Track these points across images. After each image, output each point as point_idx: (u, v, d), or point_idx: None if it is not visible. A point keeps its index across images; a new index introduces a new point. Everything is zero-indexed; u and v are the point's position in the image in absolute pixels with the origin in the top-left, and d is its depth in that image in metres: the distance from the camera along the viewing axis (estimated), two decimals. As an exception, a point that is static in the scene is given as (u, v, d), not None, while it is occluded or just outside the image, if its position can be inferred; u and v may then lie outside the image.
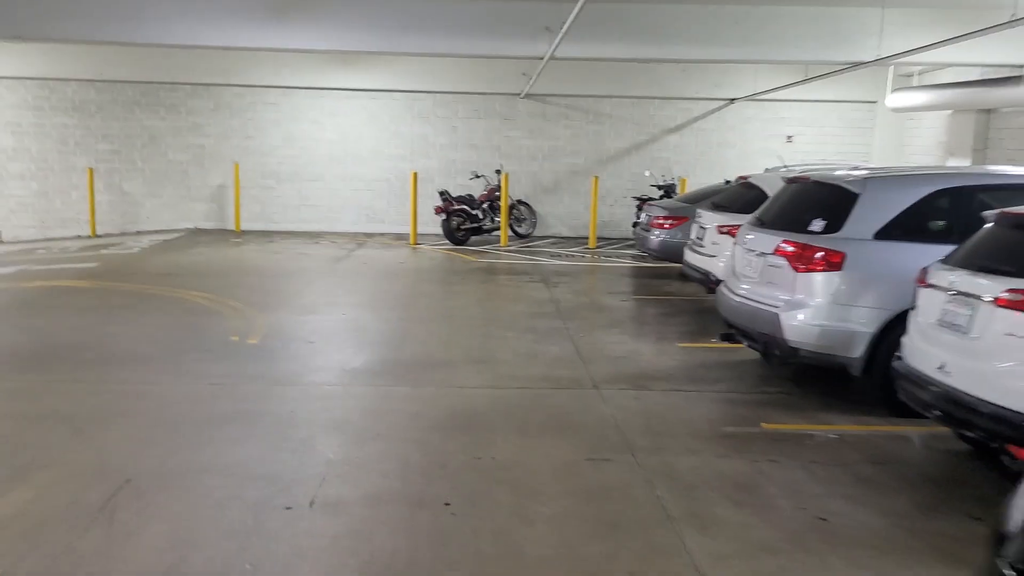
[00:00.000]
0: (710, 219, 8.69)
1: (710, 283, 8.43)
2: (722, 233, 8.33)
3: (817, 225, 5.74)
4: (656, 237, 11.07)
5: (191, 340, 7.18)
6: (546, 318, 8.47)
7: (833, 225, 5.68)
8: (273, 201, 15.80)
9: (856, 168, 7.88)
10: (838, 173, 6.44)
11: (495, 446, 4.77)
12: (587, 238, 15.39)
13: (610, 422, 5.25)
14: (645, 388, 6.06)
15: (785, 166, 9.00)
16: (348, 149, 15.72)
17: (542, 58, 10.96)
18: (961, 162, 13.73)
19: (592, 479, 4.32)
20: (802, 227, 5.86)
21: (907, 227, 5.58)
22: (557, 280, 10.91)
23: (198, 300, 8.85)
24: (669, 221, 11.00)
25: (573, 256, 13.37)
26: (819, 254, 5.56)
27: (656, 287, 10.72)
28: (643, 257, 13.18)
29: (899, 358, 5.38)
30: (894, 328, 5.38)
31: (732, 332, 6.41)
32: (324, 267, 11.55)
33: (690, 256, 9.02)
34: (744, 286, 6.24)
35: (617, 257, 13.42)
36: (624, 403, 5.66)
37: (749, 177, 8.73)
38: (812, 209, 6.03)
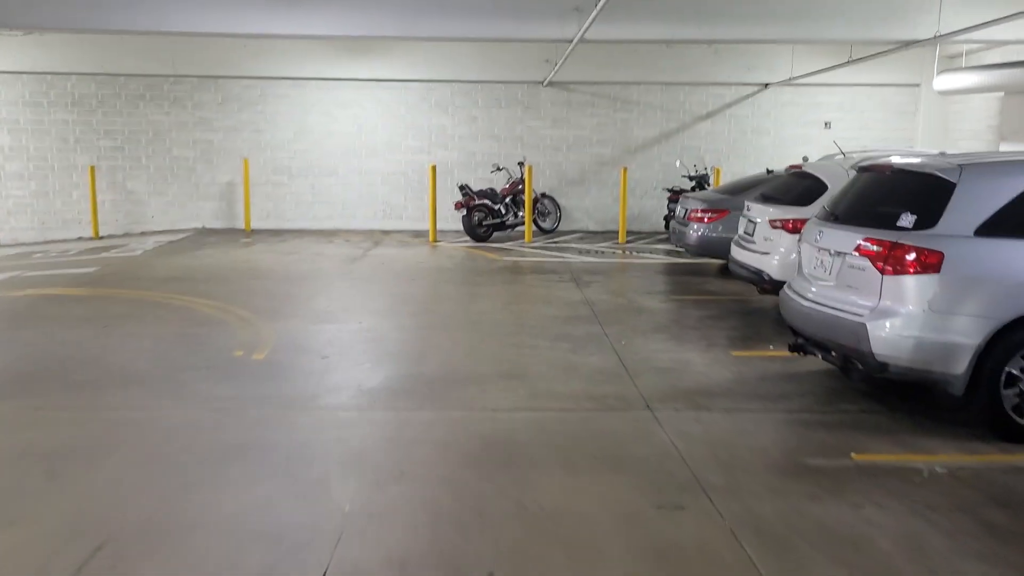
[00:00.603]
0: (761, 212, 7.91)
1: (763, 283, 7.67)
2: (776, 228, 7.56)
3: (907, 220, 4.96)
4: (695, 232, 10.30)
5: (192, 356, 6.52)
6: (581, 323, 7.75)
7: (925, 220, 4.90)
8: (285, 198, 15.15)
9: (941, 154, 7.06)
10: (924, 160, 5.64)
11: (540, 488, 4.05)
12: (615, 233, 14.63)
13: (672, 453, 4.52)
14: (704, 408, 5.33)
15: (843, 153, 8.21)
16: (363, 142, 15.04)
17: (570, 41, 10.21)
18: (1016, 147, 12.83)
19: (663, 533, 3.60)
20: (887, 222, 5.08)
21: (1015, 221, 4.80)
22: (588, 279, 10.17)
23: (202, 308, 8.20)
24: (709, 214, 10.23)
25: (603, 252, 12.62)
26: (912, 255, 4.78)
27: (696, 286, 9.95)
28: (678, 252, 12.42)
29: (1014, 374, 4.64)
30: (1003, 339, 4.63)
31: (802, 342, 5.65)
32: (338, 269, 10.87)
33: (738, 253, 8.25)
34: (815, 289, 5.48)
35: (650, 253, 12.65)
36: (684, 427, 4.93)
37: (803, 165, 7.94)
38: (897, 201, 5.24)
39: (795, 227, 7.36)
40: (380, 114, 14.99)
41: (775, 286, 7.52)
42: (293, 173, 15.10)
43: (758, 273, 7.70)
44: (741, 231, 8.39)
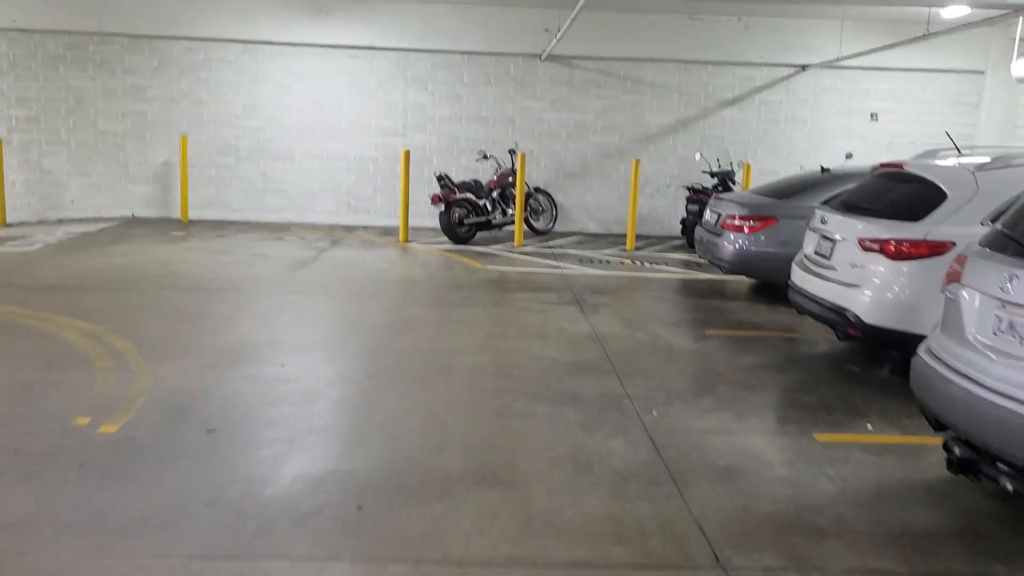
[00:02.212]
0: (845, 227, 5.78)
1: (847, 326, 5.56)
2: (870, 250, 5.44)
3: None
4: (732, 244, 8.19)
5: (9, 427, 4.33)
6: (591, 373, 5.62)
7: None
8: (230, 184, 12.90)
9: None
10: None
11: None
12: (621, 237, 12.50)
13: None
14: (816, 569, 3.21)
15: (957, 148, 6.14)
16: (325, 120, 12.80)
17: (575, 4, 8.04)
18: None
19: None
20: None
21: None
22: (594, 301, 8.04)
23: (68, 335, 5.99)
24: (751, 222, 8.12)
25: (608, 262, 10.48)
26: None
27: (733, 314, 7.84)
28: (698, 264, 10.30)
29: None
30: None
31: (972, 457, 3.52)
32: (278, 277, 8.67)
33: (806, 281, 6.13)
34: (1002, 370, 3.33)
35: (665, 264, 10.53)
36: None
37: (904, 165, 5.82)
38: None
39: (900, 251, 5.25)
40: (346, 88, 12.75)
41: (866, 332, 5.43)
42: (241, 155, 12.83)
43: (839, 312, 5.58)
44: (809, 250, 6.27)
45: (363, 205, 13.06)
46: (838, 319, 5.62)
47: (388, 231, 12.32)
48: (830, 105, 12.98)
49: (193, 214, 12.76)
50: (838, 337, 5.93)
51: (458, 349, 6.14)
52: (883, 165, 6.11)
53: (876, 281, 5.36)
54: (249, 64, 12.60)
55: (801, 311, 6.35)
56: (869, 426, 4.84)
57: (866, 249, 5.46)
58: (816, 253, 6.11)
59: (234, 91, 12.66)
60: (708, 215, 8.97)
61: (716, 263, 8.57)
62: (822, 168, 8.67)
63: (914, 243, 5.20)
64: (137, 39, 12.45)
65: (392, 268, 9.47)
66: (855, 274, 5.52)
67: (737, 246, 8.16)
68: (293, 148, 12.85)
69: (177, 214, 12.67)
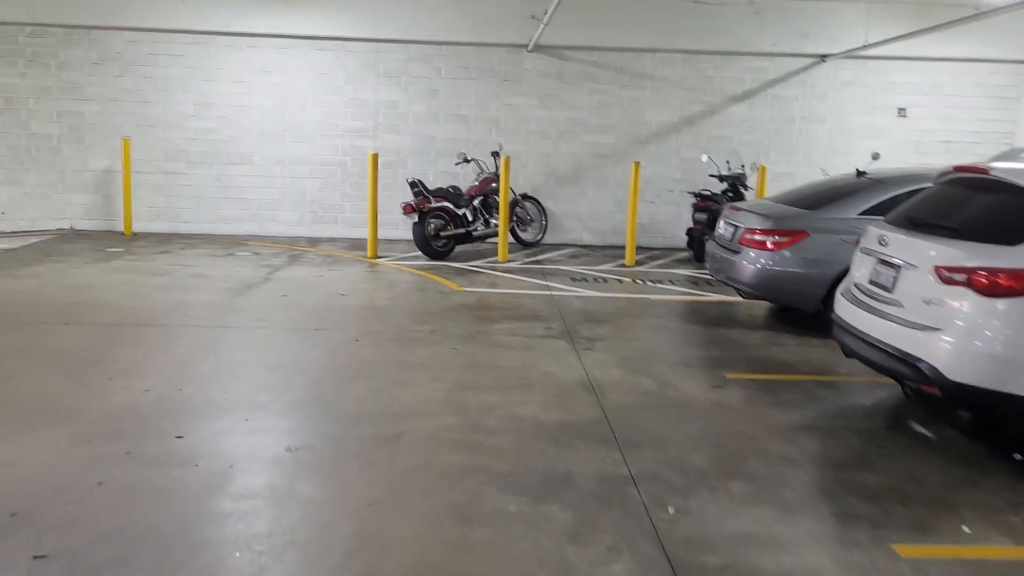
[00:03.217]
0: (914, 251, 4.49)
1: (921, 382, 4.27)
2: (953, 283, 4.15)
3: None
4: (753, 263, 6.92)
5: None
6: (586, 442, 4.33)
7: None
8: (181, 192, 11.58)
9: None
10: None
11: None
12: (618, 248, 11.24)
13: None
14: None
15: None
16: (287, 120, 11.50)
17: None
18: None
19: None
20: None
21: None
22: (589, 332, 6.75)
23: (-90, 396, 4.68)
24: (775, 237, 6.85)
25: (605, 280, 9.20)
26: None
27: (756, 348, 6.54)
28: (708, 281, 9.02)
29: None
30: None
31: None
32: (214, 306, 7.35)
33: (857, 316, 4.84)
34: None
35: (670, 282, 9.24)
36: None
37: (989, 170, 4.53)
38: None
39: (995, 284, 3.97)
40: (311, 84, 11.45)
41: (948, 391, 4.16)
42: (193, 160, 11.52)
43: (909, 363, 4.28)
44: (862, 277, 4.98)
45: (330, 215, 11.75)
46: (907, 371, 4.33)
47: (357, 244, 11.03)
48: (852, 100, 11.72)
49: (139, 226, 11.44)
50: (906, 394, 4.66)
51: (415, 407, 4.84)
52: (959, 169, 4.82)
53: (961, 323, 4.07)
54: (201, 58, 11.29)
55: (849, 354, 5.06)
56: (966, 528, 3.56)
57: (946, 281, 4.17)
58: (873, 283, 4.83)
59: (184, 88, 11.34)
60: (722, 228, 7.69)
61: (732, 284, 7.29)
62: (857, 171, 7.40)
63: (1014, 274, 3.92)
64: (73, 30, 11.14)
65: (353, 291, 8.15)
66: (931, 313, 4.23)
67: (759, 265, 6.88)
68: (252, 152, 11.54)
69: (121, 226, 11.36)
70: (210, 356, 5.72)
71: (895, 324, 4.47)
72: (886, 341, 4.51)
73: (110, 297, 7.46)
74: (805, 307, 6.98)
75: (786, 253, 6.80)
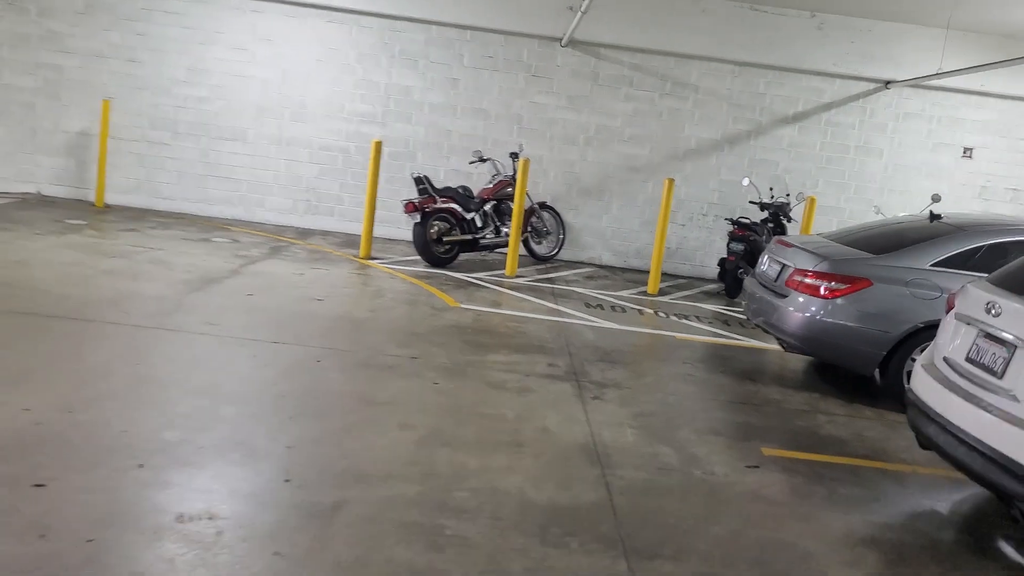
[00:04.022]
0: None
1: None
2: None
3: None
4: (801, 311, 5.87)
5: None
6: (583, 541, 3.30)
7: None
8: (163, 165, 10.62)
9: None
10: None
11: None
12: (641, 273, 10.22)
13: None
14: None
15: None
16: (288, 97, 10.54)
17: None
18: None
19: None
20: None
21: None
22: (600, 376, 5.71)
23: None
24: (832, 283, 5.80)
25: (624, 310, 8.15)
26: None
27: (799, 414, 5.48)
28: (740, 321, 7.96)
29: None
30: None
31: None
32: (162, 301, 6.36)
33: (948, 402, 3.78)
34: None
35: (696, 318, 8.19)
36: None
37: None
38: None
39: None
40: (318, 59, 10.49)
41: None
42: (180, 130, 10.57)
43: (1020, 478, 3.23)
44: (956, 353, 3.92)
45: (326, 205, 10.77)
46: (1020, 489, 3.27)
47: (351, 241, 10.03)
48: (914, 134, 10.64)
49: (113, 198, 10.50)
50: (1014, 517, 3.60)
51: (369, 464, 3.82)
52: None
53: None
54: (201, 18, 10.34)
55: (929, 446, 4.01)
56: None
57: (1093, 377, 3.11)
58: (972, 361, 3.77)
59: (178, 50, 10.40)
60: (767, 265, 6.63)
61: (773, 332, 6.23)
62: (932, 215, 6.33)
63: None
64: (63, -24, 10.24)
65: (331, 297, 7.14)
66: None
67: (808, 314, 5.82)
68: (245, 127, 10.58)
69: (93, 196, 10.42)
70: (129, 368, 4.71)
71: (1004, 422, 3.41)
72: (989, 443, 3.45)
73: (42, 279, 6.48)
74: (859, 369, 5.93)
75: (842, 303, 5.74)
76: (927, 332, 5.57)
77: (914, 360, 5.66)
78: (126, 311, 5.81)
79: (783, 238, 6.77)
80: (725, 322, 8.19)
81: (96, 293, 6.21)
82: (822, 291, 5.80)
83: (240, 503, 3.31)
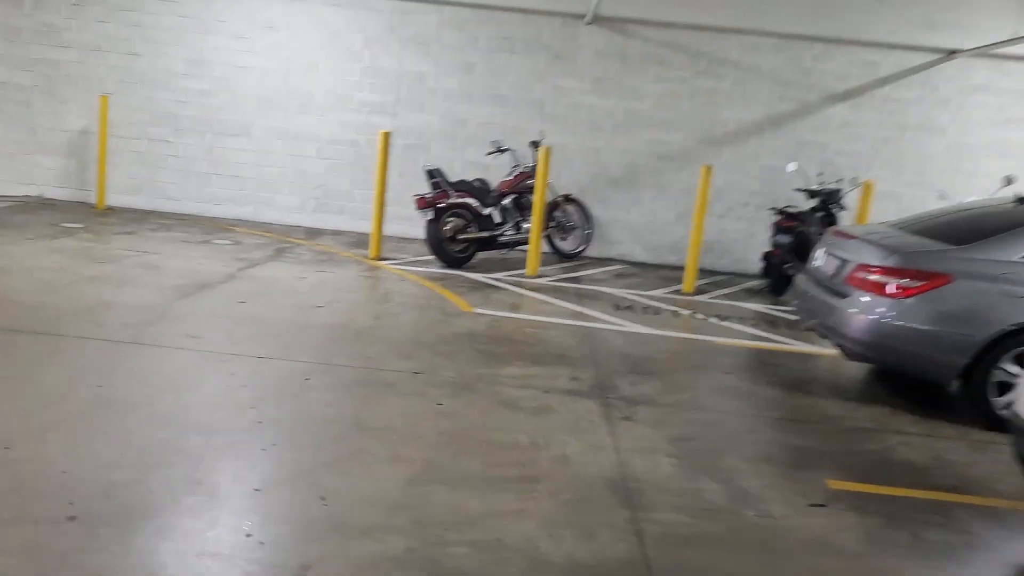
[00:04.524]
0: None
1: None
2: None
3: None
4: (865, 313, 5.14)
5: None
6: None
7: None
8: (166, 163, 10.16)
9: None
10: None
11: None
12: (676, 270, 9.52)
13: None
14: None
15: None
16: (293, 88, 10.00)
17: None
18: None
19: None
20: None
21: None
22: (630, 391, 5.04)
23: None
24: (904, 280, 5.08)
25: (657, 311, 7.46)
26: None
27: (867, 437, 4.75)
28: (788, 322, 7.22)
29: None
30: None
31: None
32: (146, 310, 5.82)
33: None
34: None
35: (738, 320, 7.47)
36: None
37: None
38: None
39: None
40: (323, 46, 9.93)
41: None
42: (182, 126, 10.09)
43: None
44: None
45: (336, 203, 10.22)
46: None
47: (363, 240, 9.46)
48: (982, 108, 9.76)
49: (116, 199, 10.07)
50: None
51: (350, 510, 3.20)
52: None
53: None
54: (196, 6, 9.84)
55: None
56: None
57: None
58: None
59: (176, 41, 9.92)
60: (823, 260, 5.90)
61: (830, 337, 5.51)
62: (1020, 198, 5.55)
63: None
64: (57, -34, 9.82)
65: (333, 303, 6.56)
66: None
67: (875, 316, 5.08)
68: (249, 122, 10.07)
69: (95, 198, 10.00)
70: (88, 391, 4.16)
71: None
72: None
73: (19, 286, 5.99)
74: (936, 379, 5.18)
75: (916, 303, 5.00)
76: (1018, 336, 4.82)
77: (1003, 369, 4.93)
78: (101, 323, 5.28)
79: (842, 229, 6.02)
80: (771, 323, 7.46)
81: (74, 302, 5.69)
82: (892, 289, 5.06)
83: (184, 568, 2.72)
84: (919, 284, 5.00)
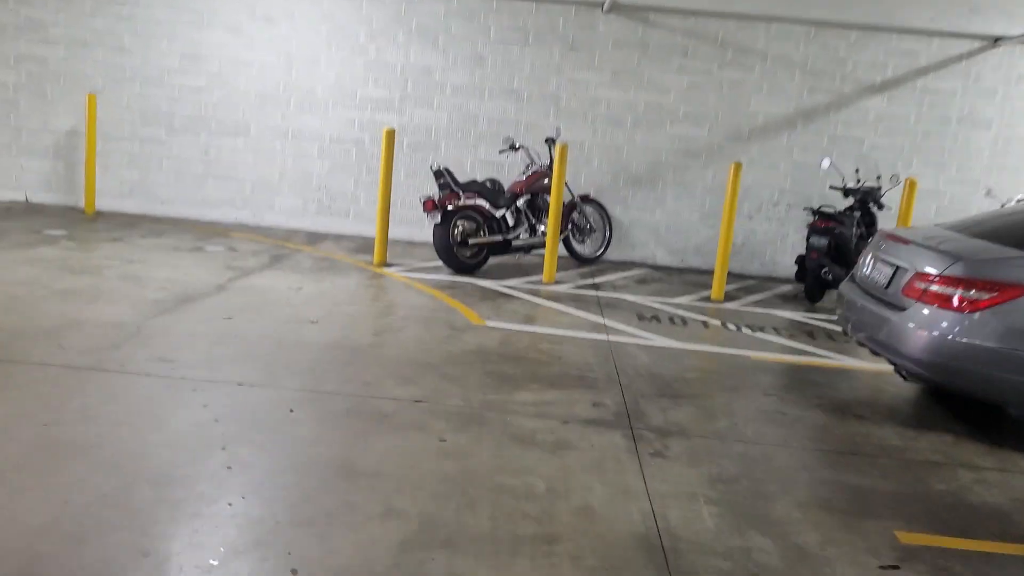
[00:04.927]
0: None
1: None
2: None
3: None
4: (926, 329, 4.53)
5: None
6: None
7: None
8: (160, 165, 9.65)
9: None
10: None
11: None
12: (703, 274, 8.93)
13: None
14: None
15: None
16: (293, 84, 9.46)
17: None
18: None
19: None
20: None
21: None
22: (660, 418, 4.44)
23: None
24: (972, 292, 4.46)
25: (685, 322, 6.85)
26: None
27: (933, 472, 4.13)
28: (829, 333, 6.58)
29: None
30: None
31: None
32: (115, 330, 5.28)
33: None
34: None
35: (772, 328, 6.85)
36: None
37: None
38: None
39: None
40: (325, 40, 9.38)
41: None
42: (175, 125, 9.58)
43: None
44: None
45: (340, 205, 9.67)
46: None
47: (368, 245, 8.89)
48: (1031, 99, 9.09)
49: (105, 204, 9.57)
50: None
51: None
52: None
53: None
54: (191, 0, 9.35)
55: None
56: None
57: None
58: None
59: (169, 35, 9.40)
60: (872, 267, 5.28)
61: (888, 356, 4.88)
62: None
63: None
64: (43, -43, 9.32)
65: (329, 317, 6.00)
66: None
67: (939, 333, 4.45)
68: (247, 120, 9.53)
69: (84, 202, 9.50)
70: (31, 430, 3.61)
71: None
72: None
73: (-17, 304, 5.47)
74: (1009, 405, 4.55)
75: (986, 317, 4.37)
76: (1111, 357, 4.19)
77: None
78: (62, 344, 4.74)
79: (895, 232, 5.39)
80: (809, 334, 6.83)
81: (37, 321, 5.16)
82: (957, 302, 4.44)
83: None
84: (989, 296, 4.37)
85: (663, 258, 9.56)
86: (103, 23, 9.33)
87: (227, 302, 6.09)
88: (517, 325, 6.20)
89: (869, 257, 5.43)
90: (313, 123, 9.51)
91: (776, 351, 6.21)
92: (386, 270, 7.85)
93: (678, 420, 4.50)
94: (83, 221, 8.92)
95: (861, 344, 5.28)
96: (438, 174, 7.91)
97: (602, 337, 6.08)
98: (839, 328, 5.66)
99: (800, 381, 5.55)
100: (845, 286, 5.65)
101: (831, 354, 6.24)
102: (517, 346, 5.65)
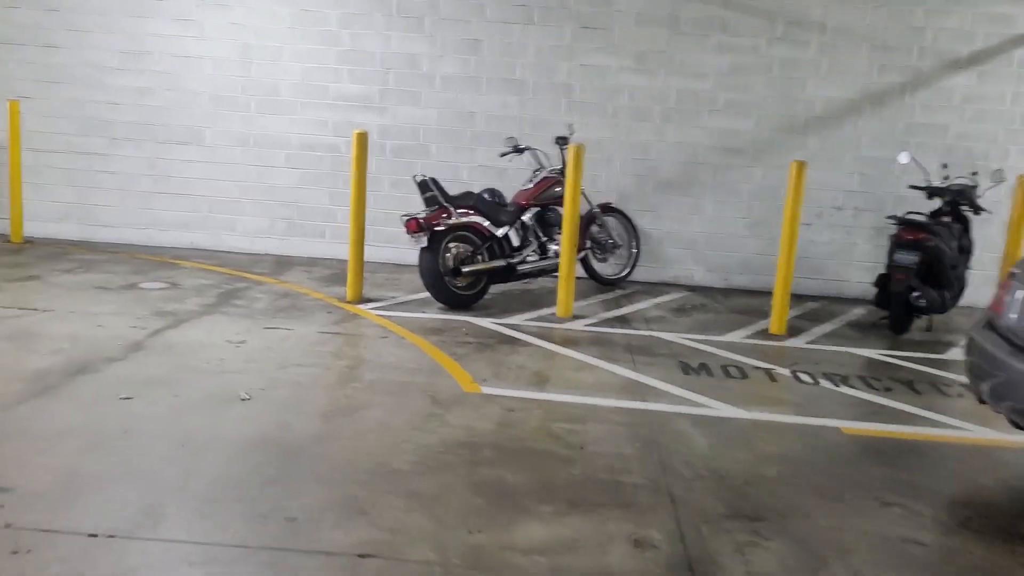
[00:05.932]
0: None
1: None
2: None
3: None
4: None
5: None
6: None
7: None
8: (101, 182, 8.17)
9: None
10: None
11: None
12: (749, 294, 7.39)
13: None
14: None
15: None
16: (254, 81, 7.95)
17: None
18: None
19: None
20: None
21: None
22: (740, 566, 2.88)
23: None
24: None
25: (742, 371, 5.26)
26: None
27: None
28: (938, 386, 4.97)
29: None
30: None
31: None
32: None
33: None
34: None
35: (857, 376, 5.24)
36: None
37: None
38: None
39: None
40: (288, 26, 7.86)
41: None
42: (117, 135, 8.09)
43: None
44: None
45: (312, 224, 8.15)
46: None
47: (344, 272, 7.36)
48: None
49: (36, 229, 8.10)
50: None
51: None
52: None
53: None
54: (130, -17, 7.85)
55: None
56: None
57: None
58: None
59: (106, 28, 7.91)
60: (1018, 308, 3.67)
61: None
62: None
63: None
64: (-45, -60, 7.87)
65: (269, 389, 4.45)
66: None
67: None
68: (201, 126, 8.03)
69: (9, 227, 8.05)
70: None
71: None
72: None
73: None
74: None
75: None
76: None
77: None
78: None
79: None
80: (909, 385, 5.22)
81: None
82: None
83: None
84: None
85: (702, 278, 7.96)
86: (32, 18, 7.85)
87: (136, 370, 4.57)
88: (523, 391, 4.63)
89: (1017, 294, 3.82)
90: (278, 127, 8.00)
91: (874, 417, 4.61)
92: (361, 308, 6.31)
93: (767, 567, 2.92)
94: (3, 253, 7.46)
95: (1011, 422, 3.69)
96: (423, 186, 6.36)
97: (638, 405, 4.51)
98: (970, 385, 4.07)
99: (925, 473, 3.93)
100: (981, 334, 4.03)
101: (950, 419, 4.63)
102: (522, 430, 4.08)
